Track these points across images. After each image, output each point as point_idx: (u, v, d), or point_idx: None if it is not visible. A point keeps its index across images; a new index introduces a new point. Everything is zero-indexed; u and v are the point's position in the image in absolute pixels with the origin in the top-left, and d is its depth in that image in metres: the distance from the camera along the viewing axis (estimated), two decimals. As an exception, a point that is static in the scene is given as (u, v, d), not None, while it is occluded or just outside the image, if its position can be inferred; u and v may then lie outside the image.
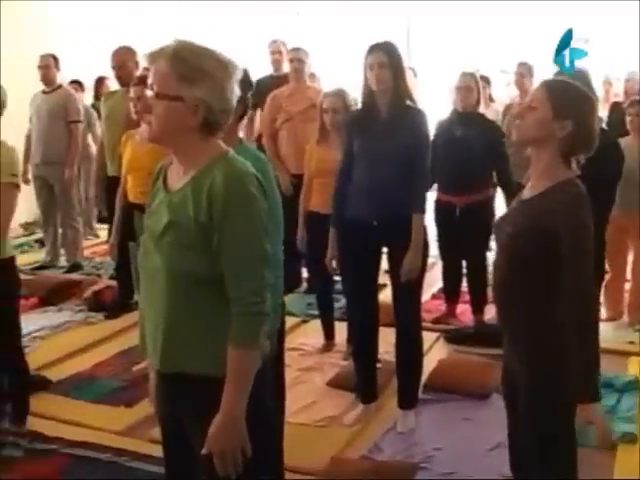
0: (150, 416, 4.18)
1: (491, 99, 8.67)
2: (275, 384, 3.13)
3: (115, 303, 6.74)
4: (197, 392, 2.35)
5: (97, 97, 9.76)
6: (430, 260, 4.76)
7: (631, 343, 5.71)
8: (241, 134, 3.35)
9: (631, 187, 5.51)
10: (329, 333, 5.90)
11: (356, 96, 5.25)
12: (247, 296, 2.28)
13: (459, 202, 5.99)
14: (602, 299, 5.65)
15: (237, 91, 2.38)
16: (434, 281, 6.76)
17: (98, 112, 8.17)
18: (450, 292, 6.53)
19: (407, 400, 4.67)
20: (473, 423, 4.61)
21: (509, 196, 5.90)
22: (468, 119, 5.98)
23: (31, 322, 6.06)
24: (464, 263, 6.41)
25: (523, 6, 11.58)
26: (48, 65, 7.96)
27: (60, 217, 8.30)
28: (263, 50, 8.02)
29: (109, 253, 5.78)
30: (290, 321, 5.36)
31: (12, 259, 4.29)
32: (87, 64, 10.00)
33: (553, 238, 2.59)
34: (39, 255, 8.78)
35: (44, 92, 8.04)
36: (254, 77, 3.51)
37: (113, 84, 7.73)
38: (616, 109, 8.06)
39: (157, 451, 3.21)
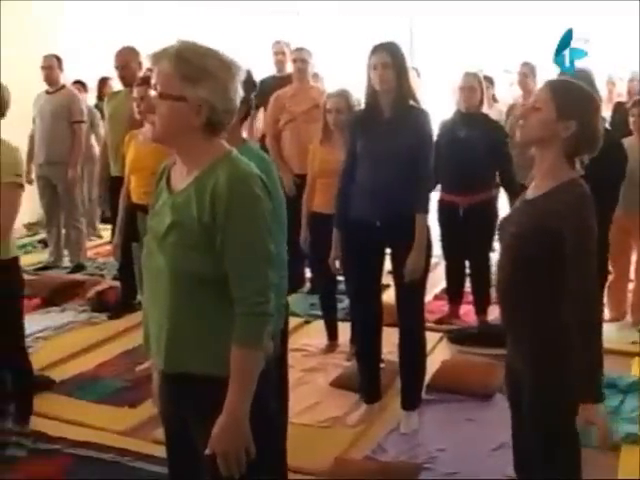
0: (153, 416, 4.17)
1: (494, 99, 8.67)
2: (279, 384, 3.13)
3: (118, 303, 6.75)
4: (201, 392, 2.35)
5: (100, 97, 9.77)
6: (433, 260, 4.76)
7: (634, 344, 5.70)
8: (244, 134, 3.35)
9: (634, 187, 5.49)
10: (332, 334, 5.90)
11: (358, 96, 5.27)
12: (251, 296, 2.28)
13: (462, 202, 5.98)
14: (605, 300, 5.64)
15: (240, 91, 2.38)
16: (437, 281, 6.76)
17: (101, 112, 8.18)
18: (453, 292, 6.53)
19: (410, 400, 4.67)
20: (476, 423, 4.61)
21: (512, 196, 5.89)
22: (471, 119, 5.98)
23: (34, 322, 6.06)
24: (467, 263, 6.41)
25: (526, 6, 11.58)
26: (51, 66, 7.97)
27: (63, 217, 8.31)
28: (262, 50, 8.03)
29: (112, 253, 5.79)
30: (293, 322, 5.35)
31: (16, 259, 4.29)
32: (90, 64, 10.01)
33: (557, 238, 2.59)
34: (42, 255, 8.79)
35: (47, 92, 8.05)
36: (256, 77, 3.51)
37: (116, 84, 7.73)
38: (619, 109, 8.05)
39: (160, 451, 3.21)
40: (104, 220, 8.96)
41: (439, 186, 5.97)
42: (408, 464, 4.17)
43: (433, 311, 6.41)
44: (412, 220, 4.29)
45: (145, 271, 2.49)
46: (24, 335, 4.53)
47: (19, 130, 6.81)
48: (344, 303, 5.94)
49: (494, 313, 6.03)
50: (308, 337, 6.05)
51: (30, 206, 7.98)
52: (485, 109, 6.19)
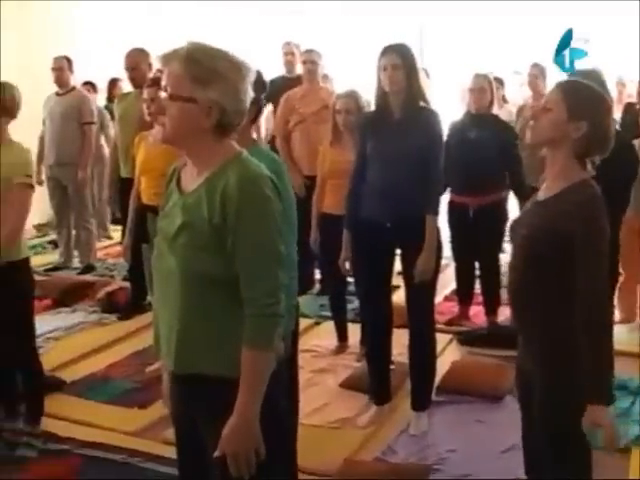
0: (163, 417, 4.19)
1: (504, 100, 8.66)
2: (289, 385, 3.13)
3: (128, 304, 6.76)
4: (211, 393, 2.35)
5: (110, 99, 9.79)
6: (443, 262, 4.75)
7: (645, 345, 5.68)
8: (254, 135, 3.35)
9: (645, 188, 5.48)
10: (342, 335, 5.90)
11: (367, 97, 5.27)
12: (261, 297, 2.28)
13: (472, 203, 5.98)
14: (616, 301, 5.63)
15: (250, 92, 2.38)
16: (447, 283, 6.75)
17: (111, 113, 8.19)
18: (463, 294, 6.52)
19: (420, 402, 4.66)
20: (486, 425, 4.60)
21: (521, 198, 5.89)
22: (481, 120, 5.97)
23: (45, 323, 6.08)
24: (477, 265, 6.40)
25: (536, 6, 11.56)
26: (62, 67, 7.98)
27: (73, 218, 8.32)
28: (265, 50, 8.03)
29: (122, 254, 5.79)
30: (303, 323, 5.35)
31: (27, 260, 4.31)
32: (100, 65, 10.03)
33: (568, 239, 2.58)
34: (52, 256, 8.81)
35: (58, 94, 8.06)
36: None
37: (126, 86, 7.75)
38: (630, 110, 8.03)
39: (170, 452, 3.22)
40: (114, 221, 8.97)
41: (449, 187, 5.95)
42: (418, 465, 4.16)
43: (443, 312, 6.40)
44: (422, 221, 4.29)
45: (155, 272, 2.49)
46: (35, 335, 4.55)
47: (29, 131, 6.83)
48: (354, 304, 5.93)
49: (504, 314, 6.03)
50: (318, 338, 6.05)
51: (40, 207, 8.00)
52: (495, 110, 6.18)
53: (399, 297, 5.07)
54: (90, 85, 9.66)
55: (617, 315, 5.93)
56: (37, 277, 4.87)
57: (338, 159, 5.23)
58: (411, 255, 4.35)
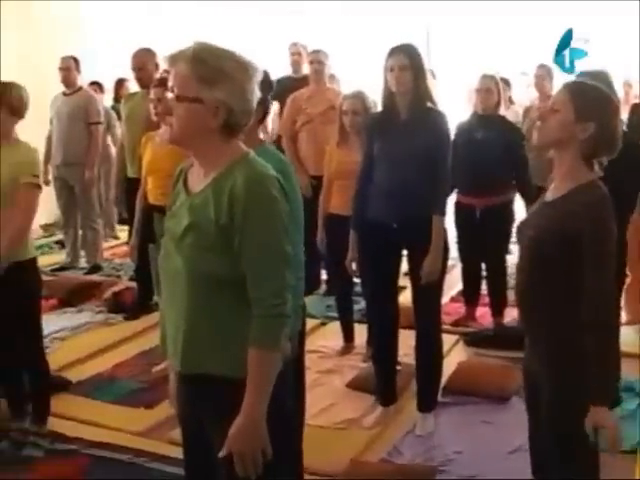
0: (169, 417, 4.19)
1: (511, 101, 8.65)
2: (295, 386, 3.13)
3: (135, 304, 6.76)
4: (218, 393, 2.35)
5: (117, 99, 9.81)
6: (450, 262, 4.75)
7: (652, 347, 5.66)
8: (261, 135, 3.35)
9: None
10: (348, 335, 5.90)
11: (373, 98, 5.27)
12: (268, 298, 2.28)
13: (479, 204, 5.98)
14: (623, 303, 5.60)
15: (257, 92, 2.38)
16: (454, 283, 6.74)
17: (118, 113, 8.20)
18: (470, 294, 6.51)
19: (426, 403, 4.66)
20: (493, 426, 4.60)
21: (526, 199, 5.89)
22: (488, 121, 5.97)
23: (51, 323, 6.08)
24: (484, 265, 6.39)
25: (543, 7, 11.55)
26: (69, 67, 7.99)
27: (80, 218, 8.33)
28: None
29: (129, 255, 5.80)
30: (309, 323, 5.33)
31: (34, 260, 4.32)
32: (107, 66, 10.05)
33: (576, 240, 2.58)
34: (59, 256, 8.83)
35: (64, 94, 8.07)
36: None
37: (133, 86, 7.76)
38: (637, 111, 7.99)
39: (176, 452, 3.22)
40: (121, 221, 8.98)
41: (456, 188, 5.95)
42: (424, 467, 4.16)
43: (449, 313, 6.39)
44: (429, 222, 4.29)
45: (162, 272, 2.49)
46: (42, 335, 4.55)
47: (36, 131, 6.84)
48: (360, 305, 5.93)
49: (510, 315, 6.03)
50: (324, 339, 6.05)
51: (47, 207, 8.00)
52: (502, 111, 6.18)
53: (406, 298, 5.06)
54: (97, 85, 9.68)
55: (624, 317, 5.90)
56: (43, 277, 4.87)
57: (345, 160, 5.23)
58: (418, 256, 4.34)
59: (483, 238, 6.05)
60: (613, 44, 10.89)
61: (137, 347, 5.94)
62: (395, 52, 4.31)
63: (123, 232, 8.90)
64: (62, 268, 8.33)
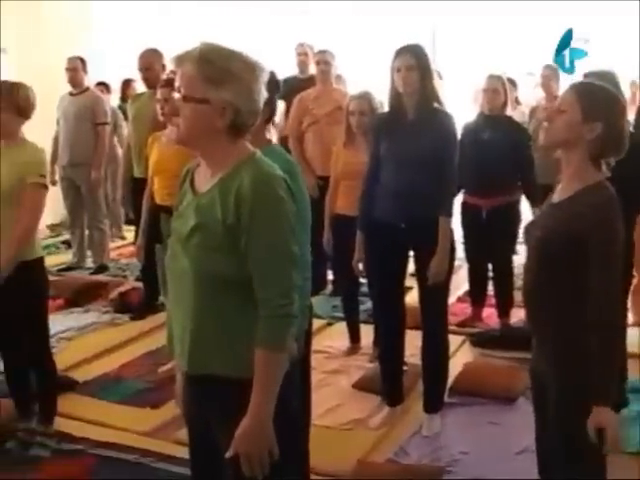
0: (175, 418, 4.20)
1: (517, 102, 8.64)
2: (301, 386, 3.13)
3: (141, 304, 6.77)
4: (224, 394, 2.35)
5: (124, 99, 9.82)
6: (456, 263, 4.74)
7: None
8: (268, 135, 3.35)
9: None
10: (354, 336, 5.90)
11: (380, 98, 5.27)
12: (275, 298, 2.28)
13: (485, 205, 5.97)
14: (630, 304, 5.60)
15: (264, 93, 2.38)
16: (460, 284, 6.74)
17: (125, 114, 8.21)
18: (476, 295, 6.51)
19: (433, 403, 4.66)
20: (499, 427, 4.59)
21: (531, 199, 5.89)
22: (495, 122, 5.97)
23: (57, 323, 6.08)
24: (490, 266, 6.39)
25: (550, 7, 11.52)
26: (76, 67, 8.00)
27: (87, 219, 8.34)
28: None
29: (136, 255, 5.80)
30: (315, 323, 5.34)
31: (41, 260, 4.32)
32: (114, 66, 10.06)
33: (583, 241, 2.58)
34: (65, 256, 8.84)
35: (71, 94, 8.08)
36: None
37: (140, 86, 7.77)
38: (644, 111, 7.98)
39: (182, 452, 3.23)
40: (128, 222, 8.99)
41: (462, 189, 5.94)
42: (430, 467, 4.16)
43: (456, 314, 6.39)
44: (436, 222, 4.28)
45: (169, 273, 2.49)
46: (49, 335, 4.55)
47: (43, 132, 6.85)
48: (366, 305, 5.93)
49: (517, 316, 6.02)
50: (330, 339, 6.05)
51: (53, 207, 8.02)
52: (509, 112, 6.17)
53: (412, 298, 5.06)
54: (104, 85, 9.70)
55: (630, 318, 5.90)
56: (50, 277, 4.88)
57: (351, 160, 5.23)
58: (424, 256, 4.34)
59: (489, 238, 6.04)
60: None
61: (143, 347, 5.95)
62: (402, 52, 4.31)
63: (130, 232, 8.91)
64: (69, 268, 8.34)
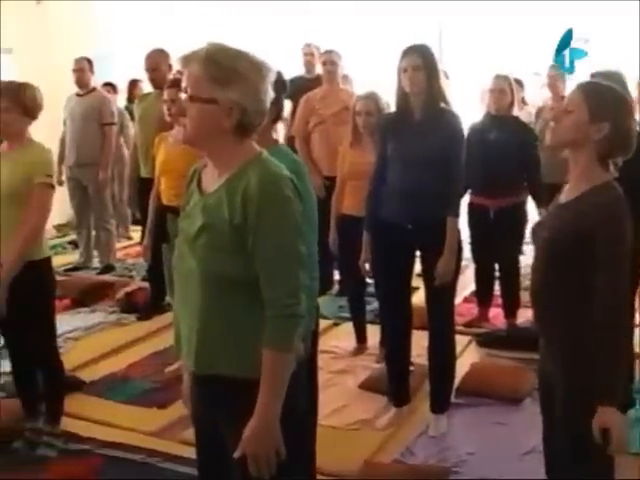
0: (182, 418, 4.20)
1: (524, 102, 8.62)
2: (308, 386, 3.12)
3: (147, 305, 6.78)
4: (231, 394, 2.35)
5: (130, 99, 9.82)
6: (463, 263, 4.73)
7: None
8: (274, 135, 3.35)
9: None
10: (361, 336, 5.89)
11: (387, 99, 5.26)
12: (282, 298, 2.27)
13: (492, 205, 5.96)
14: (637, 304, 5.58)
15: (271, 92, 2.38)
16: (467, 284, 6.72)
17: (131, 114, 8.22)
18: (483, 295, 6.50)
19: (439, 404, 4.65)
20: (506, 427, 4.58)
21: (537, 199, 5.87)
22: (502, 122, 5.96)
23: (64, 323, 6.08)
24: (497, 266, 6.38)
25: (558, 7, 11.51)
26: (82, 68, 8.02)
27: (93, 219, 8.35)
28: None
29: (142, 255, 5.80)
30: (322, 324, 5.34)
31: (48, 259, 4.33)
32: (121, 66, 10.07)
33: (590, 241, 2.57)
34: (72, 257, 8.85)
35: (78, 95, 8.10)
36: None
37: (146, 86, 7.77)
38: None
39: (189, 452, 3.23)
40: (135, 222, 9.00)
41: (469, 189, 5.93)
42: (437, 467, 4.16)
43: (462, 314, 6.38)
44: (443, 223, 4.28)
45: (176, 273, 2.49)
46: (56, 335, 4.56)
47: (50, 132, 6.86)
48: (373, 305, 5.93)
49: (523, 316, 6.01)
50: (337, 339, 6.04)
51: (60, 208, 8.03)
52: (515, 112, 6.16)
53: (419, 298, 5.06)
54: (110, 86, 9.70)
55: (638, 318, 5.88)
56: (57, 277, 4.89)
57: (358, 160, 5.22)
58: (431, 257, 4.34)
59: (496, 239, 6.04)
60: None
61: (150, 347, 5.95)
62: (408, 52, 4.31)
63: (136, 232, 8.91)
64: (75, 268, 8.36)
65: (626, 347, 2.60)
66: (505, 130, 5.89)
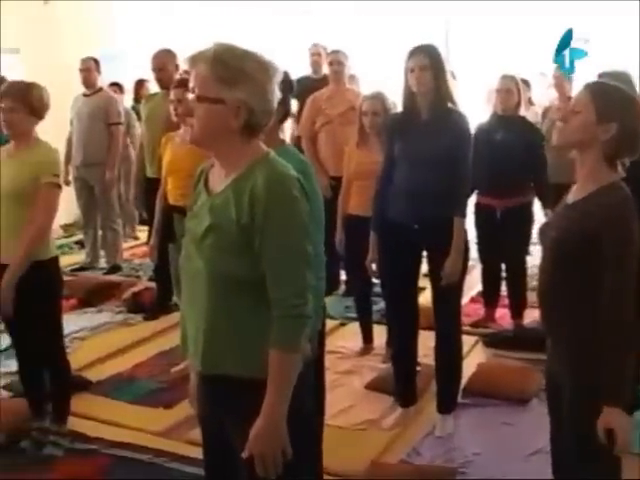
0: (188, 417, 4.21)
1: (531, 102, 8.61)
2: (315, 386, 3.12)
3: (154, 304, 6.78)
4: (238, 394, 2.35)
5: (137, 99, 9.83)
6: (469, 263, 4.72)
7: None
8: (281, 135, 3.35)
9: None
10: (367, 336, 5.89)
11: (393, 98, 5.26)
12: (289, 298, 2.27)
13: (499, 205, 5.95)
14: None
15: (278, 93, 2.38)
16: (473, 284, 6.72)
17: (138, 114, 8.23)
18: (489, 296, 6.49)
19: (446, 404, 4.65)
20: (513, 428, 4.58)
21: (543, 199, 5.86)
22: (508, 122, 5.95)
23: (71, 323, 6.10)
24: (504, 267, 6.37)
25: (563, 7, 11.50)
26: (89, 68, 8.04)
27: (100, 219, 8.36)
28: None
29: (149, 255, 5.80)
30: (328, 324, 5.34)
31: (55, 259, 4.34)
32: (127, 66, 10.08)
33: (597, 242, 2.57)
34: (79, 256, 8.86)
35: (85, 95, 8.11)
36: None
37: (153, 86, 7.78)
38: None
39: (195, 452, 3.23)
40: (142, 222, 9.01)
41: (476, 189, 5.92)
42: (443, 468, 4.15)
43: (469, 314, 6.37)
44: (449, 223, 4.27)
45: (183, 273, 2.50)
46: (62, 335, 4.56)
47: (57, 132, 6.86)
48: (379, 305, 5.93)
49: (530, 317, 6.01)
50: (343, 339, 6.04)
51: (67, 207, 8.06)
52: (522, 112, 6.15)
53: (425, 299, 5.05)
54: (117, 86, 9.71)
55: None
56: (63, 277, 4.90)
57: (364, 160, 5.22)
58: (438, 257, 4.33)
59: (503, 239, 6.03)
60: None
61: (156, 347, 5.96)
62: (415, 52, 4.30)
63: (142, 232, 8.91)
64: (82, 268, 8.37)
65: (633, 348, 2.59)
66: (512, 130, 5.89)
